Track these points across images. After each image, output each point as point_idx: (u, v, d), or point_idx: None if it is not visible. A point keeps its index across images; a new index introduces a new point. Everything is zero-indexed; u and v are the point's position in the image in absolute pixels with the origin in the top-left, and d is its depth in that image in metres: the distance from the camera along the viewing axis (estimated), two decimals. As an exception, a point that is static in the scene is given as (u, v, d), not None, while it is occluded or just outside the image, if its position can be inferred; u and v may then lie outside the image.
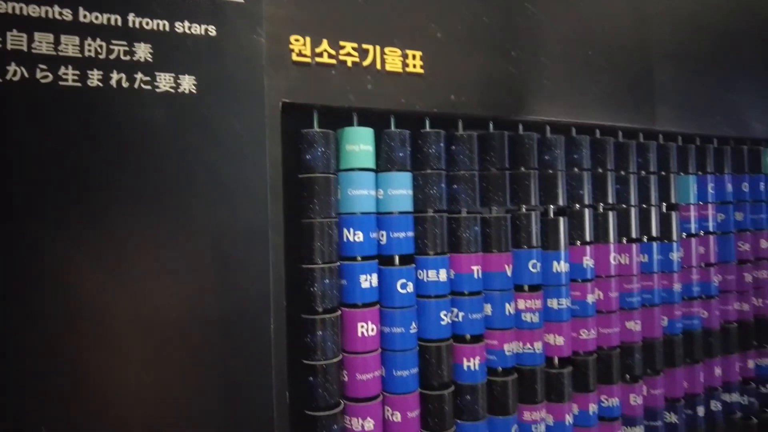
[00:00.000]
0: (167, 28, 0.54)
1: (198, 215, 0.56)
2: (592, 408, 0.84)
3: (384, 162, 0.70)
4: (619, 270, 0.89)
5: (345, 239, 0.67)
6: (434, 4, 0.72)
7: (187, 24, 0.55)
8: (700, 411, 0.97)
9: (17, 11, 0.49)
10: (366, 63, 0.67)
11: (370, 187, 0.69)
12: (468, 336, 0.74)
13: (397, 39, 0.69)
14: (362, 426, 0.67)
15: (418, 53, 0.71)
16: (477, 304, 0.74)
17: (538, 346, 0.79)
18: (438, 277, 0.71)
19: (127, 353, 0.53)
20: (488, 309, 0.76)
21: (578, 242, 0.85)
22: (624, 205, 0.90)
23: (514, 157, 0.79)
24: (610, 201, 0.88)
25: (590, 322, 0.85)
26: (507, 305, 0.76)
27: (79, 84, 0.51)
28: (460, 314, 0.74)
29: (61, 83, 0.50)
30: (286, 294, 0.62)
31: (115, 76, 0.52)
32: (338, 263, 0.67)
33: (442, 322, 0.71)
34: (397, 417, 0.69)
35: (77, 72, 0.51)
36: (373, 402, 0.67)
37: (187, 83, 0.55)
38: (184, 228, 0.55)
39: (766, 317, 1.08)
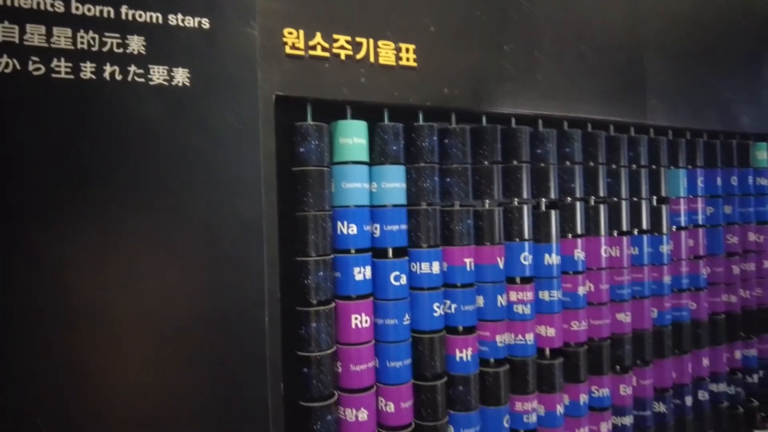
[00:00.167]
0: (160, 21, 0.54)
1: (192, 208, 0.56)
2: (583, 398, 0.86)
3: (377, 155, 0.70)
4: (610, 262, 0.90)
5: (339, 232, 0.68)
6: (428, -3, 0.73)
7: (180, 17, 0.55)
8: (688, 401, 0.99)
9: (8, 2, 0.49)
10: (359, 56, 0.67)
11: (364, 180, 0.69)
12: (460, 327, 0.75)
13: (391, 32, 0.69)
14: (356, 416, 0.67)
15: (412, 47, 0.71)
16: (469, 296, 0.75)
17: (529, 337, 0.80)
18: (431, 270, 0.72)
19: (123, 347, 0.53)
20: (480, 301, 0.77)
21: (569, 235, 0.85)
22: (615, 199, 0.91)
23: (507, 150, 0.80)
24: (601, 194, 0.89)
25: (581, 314, 0.86)
26: (499, 297, 0.77)
27: (72, 76, 0.51)
28: (453, 306, 0.74)
29: (53, 75, 0.50)
30: (281, 286, 0.62)
31: (108, 68, 0.52)
32: (332, 256, 0.67)
33: (435, 314, 0.72)
34: (391, 407, 0.69)
35: (70, 64, 0.51)
36: (367, 393, 0.68)
37: (181, 76, 0.55)
38: (178, 221, 0.55)
39: (753, 309, 1.09)
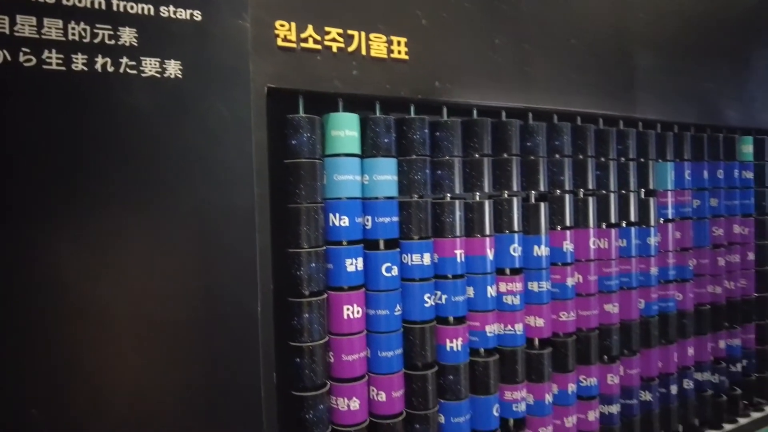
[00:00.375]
0: (152, 13, 0.54)
1: (184, 200, 0.56)
2: (571, 387, 0.87)
3: (369, 148, 0.71)
4: (598, 254, 0.91)
5: (331, 224, 0.68)
6: (419, -10, 0.73)
7: (172, 8, 0.55)
8: (673, 389, 1.01)
9: (-2, -7, 0.49)
10: (351, 49, 0.67)
11: (356, 172, 0.70)
12: (451, 318, 0.76)
13: (382, 25, 0.70)
14: (348, 405, 0.68)
15: (403, 39, 0.71)
16: (460, 287, 0.76)
17: (519, 327, 0.81)
18: (422, 261, 0.73)
19: (115, 338, 0.54)
20: (471, 292, 0.78)
21: (558, 227, 0.87)
22: (603, 191, 0.92)
23: (497, 143, 0.81)
24: (590, 187, 0.90)
25: (570, 305, 0.87)
26: (489, 288, 0.78)
27: (63, 68, 0.51)
28: (444, 297, 0.75)
29: (44, 67, 0.50)
30: (273, 277, 0.62)
31: (100, 60, 0.52)
32: (324, 247, 0.68)
33: (426, 305, 0.73)
34: (382, 396, 0.70)
35: (61, 56, 0.51)
36: (359, 382, 0.69)
37: (173, 68, 0.55)
38: (171, 212, 0.56)
39: (737, 300, 1.11)
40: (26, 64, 0.49)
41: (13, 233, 0.49)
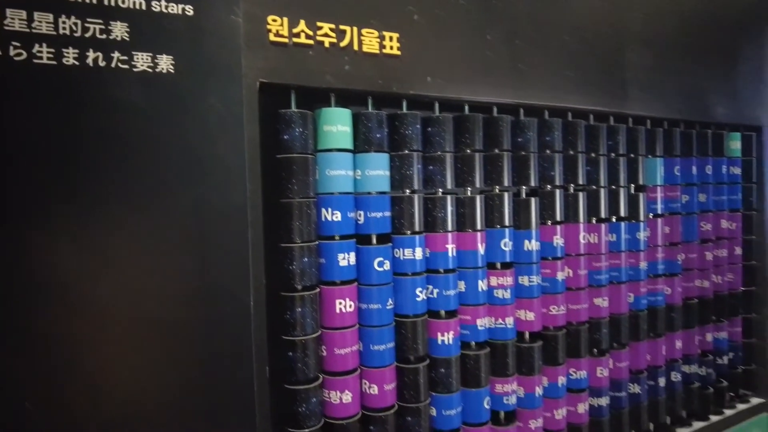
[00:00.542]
0: (144, 7, 0.54)
1: (176, 195, 0.56)
2: (561, 380, 0.88)
3: (361, 143, 0.71)
4: (588, 249, 0.92)
5: (323, 218, 0.69)
6: (411, -14, 0.73)
7: (164, 3, 0.55)
8: (661, 382, 1.02)
9: (-13, -13, 0.48)
10: (343, 44, 0.67)
11: (348, 167, 0.70)
12: (442, 312, 0.77)
13: (375, 20, 0.70)
14: (340, 398, 0.69)
15: (395, 35, 0.71)
16: (451, 281, 0.76)
17: (509, 321, 0.82)
18: (414, 256, 0.73)
19: (107, 332, 0.54)
20: (462, 286, 0.79)
21: (549, 222, 0.87)
22: (594, 186, 0.93)
23: (488, 138, 0.81)
24: (580, 182, 0.91)
25: (560, 299, 0.88)
26: (480, 282, 0.79)
27: (54, 62, 0.50)
28: (435, 291, 0.76)
29: (35, 61, 0.50)
30: (266, 272, 0.63)
31: (91, 54, 0.52)
32: (317, 242, 0.68)
33: (418, 299, 0.74)
34: (374, 390, 0.71)
35: (52, 50, 0.50)
36: (351, 375, 0.70)
37: (165, 63, 0.55)
38: (163, 207, 0.56)
39: (724, 294, 1.13)
40: (16, 58, 0.49)
41: (1, 230, 0.49)
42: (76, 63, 0.51)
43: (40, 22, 0.50)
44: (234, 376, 0.60)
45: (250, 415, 0.60)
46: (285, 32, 0.63)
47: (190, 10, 0.56)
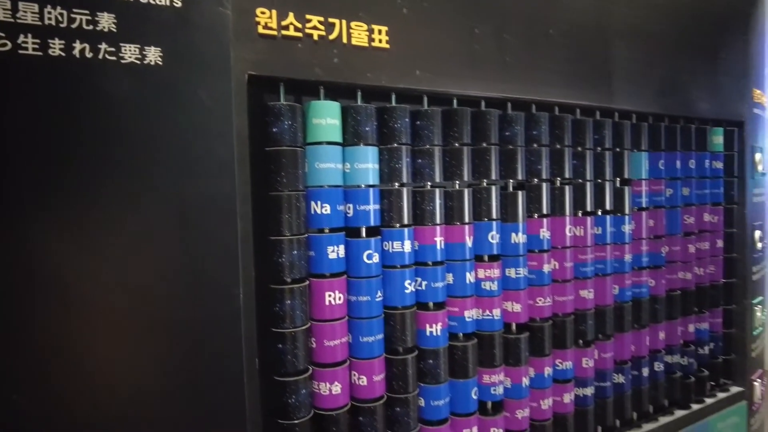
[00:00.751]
0: (131, -2, 0.54)
1: (165, 187, 0.56)
2: (547, 371, 0.90)
3: (350, 136, 0.71)
4: (574, 241, 0.93)
5: (312, 211, 0.69)
6: (400, -21, 0.73)
7: (151, -6, 0.55)
8: (645, 371, 1.04)
9: (-29, -24, 0.48)
10: (332, 37, 0.68)
11: (337, 160, 0.70)
12: (431, 303, 0.77)
13: (363, 13, 0.70)
14: (330, 390, 0.69)
15: (384, 28, 0.71)
16: (439, 273, 0.77)
17: (496, 312, 0.83)
18: (403, 248, 0.74)
19: (96, 324, 0.54)
20: (450, 278, 0.79)
21: (536, 215, 0.88)
22: (580, 180, 0.94)
23: (476, 132, 0.82)
24: (566, 176, 0.92)
25: (546, 291, 0.89)
26: (468, 274, 0.80)
27: (40, 53, 0.50)
28: (424, 283, 0.77)
29: (20, 52, 0.49)
30: (255, 265, 0.63)
31: (78, 45, 0.51)
32: (306, 235, 0.68)
33: (407, 291, 0.74)
34: (363, 381, 0.72)
35: (37, 41, 0.50)
36: (340, 367, 0.70)
37: (153, 55, 0.54)
38: (152, 200, 0.56)
39: (706, 285, 1.15)
40: (1, 49, 0.48)
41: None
42: (63, 54, 0.51)
43: (25, 12, 0.49)
44: (224, 368, 0.60)
45: (240, 406, 0.61)
46: (274, 25, 0.63)
47: (178, 2, 0.56)
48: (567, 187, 0.91)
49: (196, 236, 0.58)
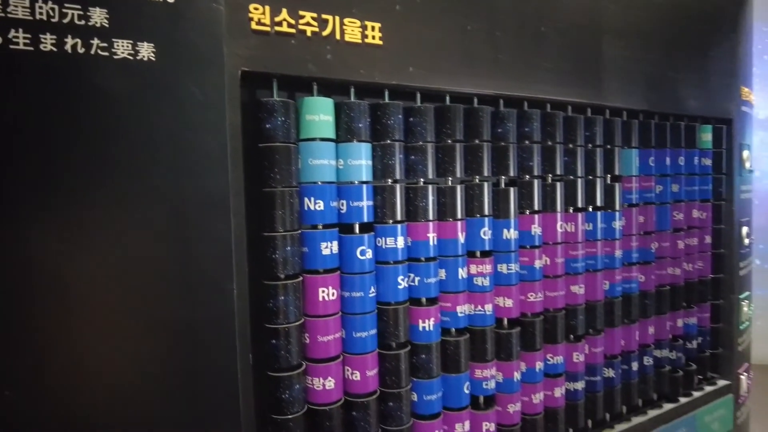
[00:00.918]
0: (123, -7, 0.53)
1: (158, 184, 0.56)
2: (539, 365, 0.91)
3: (344, 132, 0.71)
4: (565, 237, 0.94)
5: (306, 208, 0.69)
6: (393, -24, 0.73)
7: (144, -11, 0.54)
8: (634, 366, 1.06)
9: (-39, -30, 0.47)
10: (325, 33, 0.68)
11: (331, 157, 0.70)
12: (423, 299, 0.78)
13: (357, 10, 0.70)
14: (323, 385, 0.70)
15: (377, 25, 0.72)
16: (432, 269, 0.78)
17: (488, 308, 0.84)
18: (396, 244, 0.74)
19: (88, 320, 0.54)
20: (442, 273, 0.80)
21: (527, 211, 0.89)
22: (571, 177, 0.95)
23: (469, 129, 0.82)
24: (558, 172, 0.92)
25: (537, 286, 0.90)
26: (460, 270, 0.80)
27: (31, 48, 0.50)
28: (416, 279, 0.77)
29: (11, 47, 0.49)
30: (249, 261, 0.63)
31: (69, 41, 0.51)
32: (299, 231, 0.68)
33: (400, 287, 0.75)
34: (357, 376, 0.72)
35: (29, 35, 0.50)
36: (334, 362, 0.71)
37: (146, 50, 0.54)
38: (145, 196, 0.56)
39: (694, 281, 1.17)
40: (-8, 44, 0.48)
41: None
42: (54, 49, 0.51)
43: (15, 6, 0.49)
44: (218, 363, 0.60)
45: (234, 402, 0.61)
46: (267, 21, 0.63)
47: (171, -3, 0.56)
48: (558, 184, 0.92)
49: (190, 232, 0.58)
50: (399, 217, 0.75)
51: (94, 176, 0.53)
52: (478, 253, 0.83)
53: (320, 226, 0.70)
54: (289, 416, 0.67)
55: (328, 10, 0.67)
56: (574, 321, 0.95)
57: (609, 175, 1.01)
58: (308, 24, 0.66)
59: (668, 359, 1.12)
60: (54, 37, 0.50)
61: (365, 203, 0.72)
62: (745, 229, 1.28)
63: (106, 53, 0.52)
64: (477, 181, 0.83)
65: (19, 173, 0.50)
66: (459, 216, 0.80)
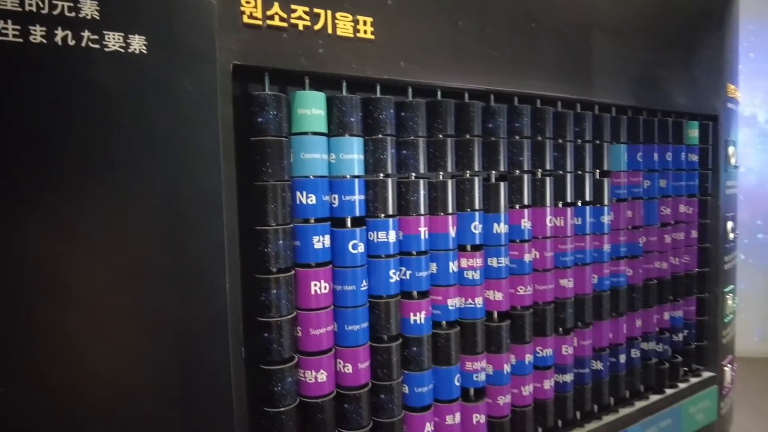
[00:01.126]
0: (114, -15, 0.53)
1: (150, 178, 0.56)
2: (528, 358, 0.92)
3: (336, 127, 0.72)
4: (555, 231, 0.95)
5: (298, 202, 0.69)
6: (385, -30, 0.73)
7: (135, -18, 0.54)
8: (622, 358, 1.07)
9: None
10: (317, 27, 0.68)
11: (323, 151, 0.70)
12: (415, 292, 0.78)
13: (348, 4, 0.70)
14: (315, 378, 0.70)
15: (369, 19, 0.72)
16: (423, 262, 0.78)
17: (479, 301, 0.84)
18: (387, 238, 0.75)
19: (80, 315, 0.54)
20: (434, 267, 0.80)
21: (517, 206, 0.90)
22: (560, 172, 0.95)
23: (460, 124, 0.83)
24: (547, 167, 0.93)
25: (527, 280, 0.91)
26: (451, 264, 0.81)
27: (20, 40, 0.49)
28: (408, 272, 0.78)
29: (0, 38, 0.49)
30: (241, 254, 0.63)
31: (60, 33, 0.50)
32: (291, 225, 0.69)
33: (391, 280, 0.75)
34: (349, 368, 0.73)
35: (18, 27, 0.49)
36: (326, 355, 0.71)
37: (138, 43, 0.54)
38: (137, 190, 0.55)
39: (680, 275, 1.19)
40: (-19, 35, 0.48)
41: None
42: (44, 41, 0.50)
43: (4, -3, 0.49)
44: (210, 356, 0.61)
45: (227, 394, 0.61)
46: (259, 14, 0.63)
47: (162, -10, 0.56)
48: (548, 179, 0.93)
49: (182, 226, 0.58)
50: (391, 212, 0.75)
51: (83, 170, 0.53)
52: (468, 247, 0.84)
53: (312, 220, 0.70)
54: (282, 409, 0.67)
55: (319, 4, 0.68)
56: (563, 314, 0.97)
57: (598, 171, 1.02)
58: (300, 18, 0.66)
59: (655, 351, 1.14)
60: (44, 28, 0.50)
61: (357, 197, 0.73)
62: (730, 224, 1.30)
63: (96, 46, 0.52)
64: (468, 175, 0.83)
65: (6, 166, 0.50)
66: (450, 210, 0.81)
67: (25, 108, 0.50)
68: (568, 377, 0.98)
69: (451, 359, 0.81)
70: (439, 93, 0.81)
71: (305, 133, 0.69)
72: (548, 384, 0.95)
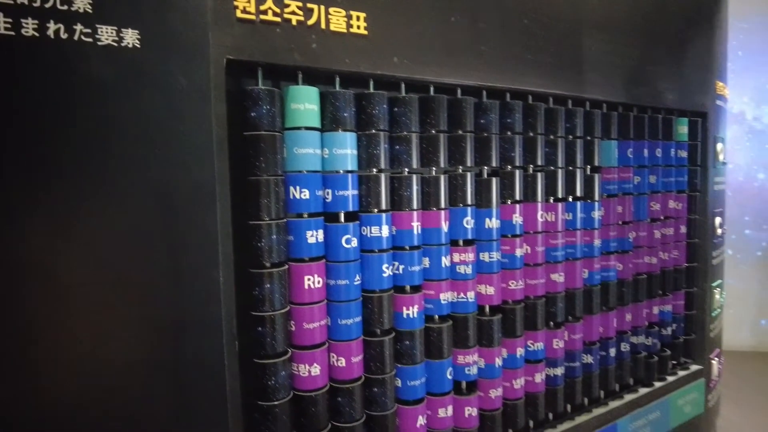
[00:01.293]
0: (107, -21, 0.53)
1: (143, 172, 0.56)
2: (520, 352, 0.93)
3: (329, 122, 0.72)
4: (546, 226, 0.96)
5: (291, 196, 0.69)
6: (378, -34, 0.73)
7: (129, -25, 0.54)
8: (612, 352, 1.08)
9: (-61, -48, 0.46)
10: (311, 22, 0.68)
11: (316, 146, 0.71)
12: (407, 287, 0.79)
13: (342, -1, 0.70)
14: (309, 371, 0.71)
15: (362, 15, 0.72)
16: (416, 257, 0.79)
17: (471, 295, 0.85)
18: (380, 233, 0.75)
19: (74, 310, 0.54)
20: (426, 262, 0.81)
21: (509, 201, 0.91)
22: (552, 167, 0.96)
23: (452, 120, 0.83)
24: (539, 163, 0.94)
25: (518, 274, 0.92)
26: (443, 258, 0.81)
27: (12, 33, 0.49)
28: (401, 267, 0.78)
29: (-8, 31, 0.48)
30: (235, 249, 0.63)
31: (52, 26, 0.50)
32: (285, 220, 0.69)
33: (384, 275, 0.76)
34: (342, 362, 0.73)
35: (9, 19, 0.49)
36: (319, 349, 0.72)
37: (131, 37, 0.54)
38: (131, 184, 0.55)
39: (669, 269, 1.20)
40: (-28, 28, 0.48)
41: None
42: (36, 34, 0.50)
43: (-4, -10, 0.48)
44: (204, 350, 0.61)
45: (221, 388, 0.62)
46: (252, 9, 0.63)
47: (155, -16, 0.55)
48: (539, 174, 0.94)
49: (176, 221, 0.58)
50: (384, 207, 0.76)
51: (75, 164, 0.53)
52: (460, 242, 0.85)
53: (306, 215, 0.70)
54: (275, 402, 0.68)
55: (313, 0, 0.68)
56: (554, 308, 0.98)
57: (589, 166, 1.03)
58: (293, 13, 0.66)
59: (644, 345, 1.15)
60: (36, 21, 0.50)
61: (350, 192, 0.73)
62: (718, 220, 1.32)
63: (89, 39, 0.52)
64: (460, 171, 0.84)
65: (2, 163, 0.50)
66: (442, 205, 0.81)
67: (16, 102, 0.50)
68: (559, 371, 0.99)
69: (443, 353, 0.82)
70: (431, 89, 0.81)
71: (299, 128, 0.69)
72: (539, 377, 0.96)
